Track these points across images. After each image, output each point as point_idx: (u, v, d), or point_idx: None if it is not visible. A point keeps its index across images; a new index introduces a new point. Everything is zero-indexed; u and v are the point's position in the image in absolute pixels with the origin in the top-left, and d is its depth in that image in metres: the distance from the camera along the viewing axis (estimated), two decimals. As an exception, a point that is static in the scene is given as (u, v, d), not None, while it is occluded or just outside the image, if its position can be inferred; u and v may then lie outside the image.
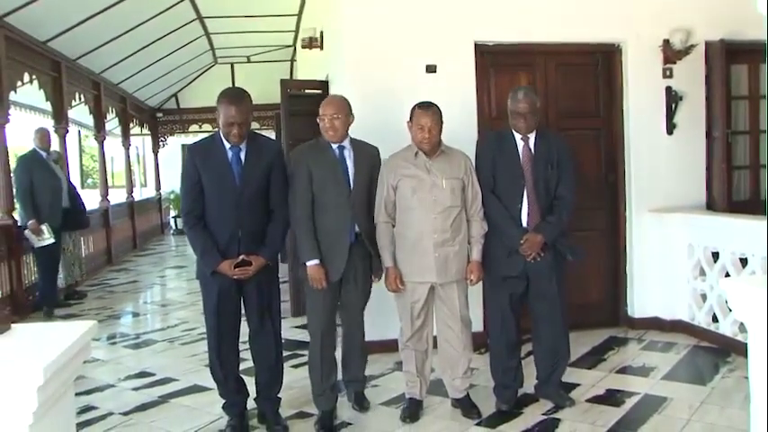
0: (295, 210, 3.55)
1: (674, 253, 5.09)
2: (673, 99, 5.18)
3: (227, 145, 3.42)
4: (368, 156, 3.70)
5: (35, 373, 1.51)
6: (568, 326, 3.90)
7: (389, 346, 4.11)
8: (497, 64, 5.10)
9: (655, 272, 5.20)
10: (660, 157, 5.20)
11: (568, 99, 5.17)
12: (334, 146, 3.61)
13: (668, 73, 5.19)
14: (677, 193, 5.21)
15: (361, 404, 3.90)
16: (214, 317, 3.48)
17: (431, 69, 4.86)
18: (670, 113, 5.19)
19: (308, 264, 3.53)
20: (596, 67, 5.27)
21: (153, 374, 4.65)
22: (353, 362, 3.89)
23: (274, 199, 3.52)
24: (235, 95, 3.40)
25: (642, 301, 5.27)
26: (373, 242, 3.65)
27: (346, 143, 3.63)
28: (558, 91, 5.16)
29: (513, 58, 5.15)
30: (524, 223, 3.67)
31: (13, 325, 1.95)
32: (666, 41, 5.11)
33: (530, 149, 3.70)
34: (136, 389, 4.41)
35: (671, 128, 5.21)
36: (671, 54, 5.12)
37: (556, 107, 5.16)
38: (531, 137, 3.72)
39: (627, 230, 5.28)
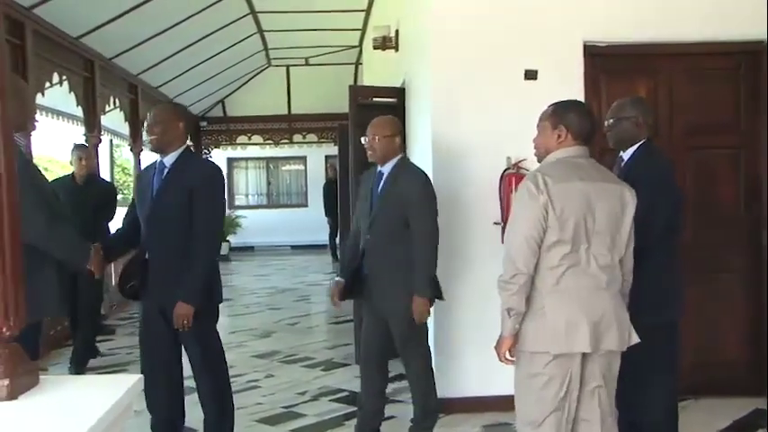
0: None
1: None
2: None
3: None
4: (402, 185, 3.93)
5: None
6: None
7: (474, 404, 4.32)
8: (610, 69, 4.99)
9: (815, 328, 4.90)
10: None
11: (699, 111, 5.00)
12: (378, 169, 4.08)
13: (839, 75, 4.93)
14: None
15: None
16: None
17: (530, 75, 4.78)
18: (840, 126, 4.92)
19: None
20: (737, 70, 5.08)
21: (194, 431, 4.63)
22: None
23: None
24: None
25: (797, 365, 4.96)
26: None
27: (386, 168, 4.02)
28: (686, 101, 5.01)
29: (631, 62, 5.03)
30: None
31: (41, 377, 1.93)
32: (838, 33, 4.84)
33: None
34: (173, 448, 4.39)
35: (840, 144, 4.93)
36: None
37: (683, 121, 5.01)
38: (626, 156, 3.74)
39: (774, 274, 5.05)
